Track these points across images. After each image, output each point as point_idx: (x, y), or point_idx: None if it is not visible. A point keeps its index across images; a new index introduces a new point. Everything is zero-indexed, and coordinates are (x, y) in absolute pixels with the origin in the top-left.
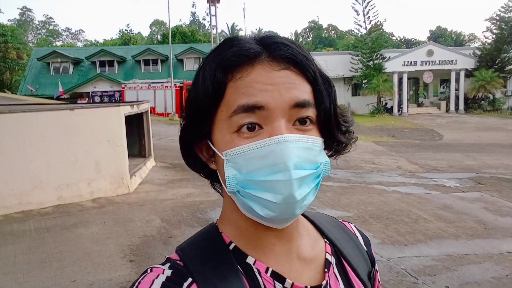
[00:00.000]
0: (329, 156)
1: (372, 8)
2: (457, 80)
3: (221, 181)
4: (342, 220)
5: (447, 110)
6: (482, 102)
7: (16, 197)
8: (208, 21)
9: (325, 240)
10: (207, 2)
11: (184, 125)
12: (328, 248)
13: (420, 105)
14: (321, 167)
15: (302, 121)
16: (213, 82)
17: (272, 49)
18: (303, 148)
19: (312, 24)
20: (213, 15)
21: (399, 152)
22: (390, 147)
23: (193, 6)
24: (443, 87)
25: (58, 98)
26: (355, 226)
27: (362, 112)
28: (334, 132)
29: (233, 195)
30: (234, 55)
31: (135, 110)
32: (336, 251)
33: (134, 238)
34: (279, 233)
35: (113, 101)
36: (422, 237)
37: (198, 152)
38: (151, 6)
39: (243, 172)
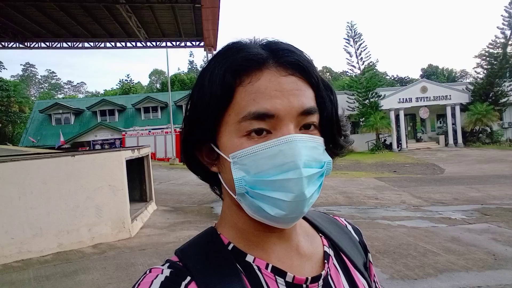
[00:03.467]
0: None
1: (364, 50)
2: (453, 115)
3: (224, 184)
4: (333, 215)
5: (446, 144)
6: (480, 135)
7: (16, 245)
8: None
9: (320, 235)
10: (204, 50)
11: (187, 129)
12: (325, 242)
13: (418, 140)
14: (325, 166)
15: (307, 126)
16: (222, 86)
17: (279, 55)
18: (310, 147)
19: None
20: None
21: (401, 186)
22: (392, 182)
23: (190, 55)
24: (440, 122)
25: (59, 148)
26: (344, 219)
27: (362, 150)
28: (335, 136)
29: (240, 197)
30: (244, 60)
31: (136, 154)
32: (333, 244)
33: None
34: (281, 233)
35: (114, 148)
36: (432, 271)
37: (198, 156)
38: (151, 57)
39: (252, 173)
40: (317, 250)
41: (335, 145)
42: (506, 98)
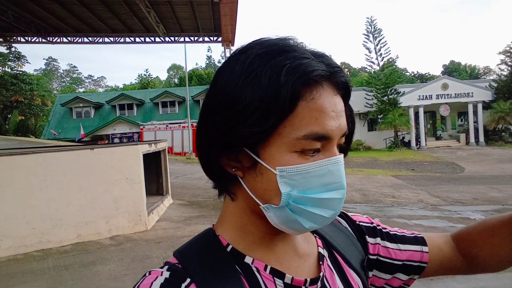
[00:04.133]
0: None
1: (384, 46)
2: (475, 112)
3: (248, 190)
4: None
5: (467, 143)
6: (503, 133)
7: (37, 235)
8: None
9: (315, 235)
10: (222, 46)
11: (217, 127)
12: (319, 242)
13: (438, 138)
14: None
15: (339, 145)
16: (291, 95)
17: (335, 73)
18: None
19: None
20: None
21: (419, 185)
22: (410, 180)
23: (208, 50)
24: (461, 120)
25: (79, 141)
26: None
27: (379, 147)
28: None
29: (272, 208)
30: (315, 75)
31: (153, 148)
32: (327, 244)
33: None
34: (284, 234)
35: (132, 141)
36: None
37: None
38: (169, 52)
39: (299, 188)
40: (313, 251)
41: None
42: None
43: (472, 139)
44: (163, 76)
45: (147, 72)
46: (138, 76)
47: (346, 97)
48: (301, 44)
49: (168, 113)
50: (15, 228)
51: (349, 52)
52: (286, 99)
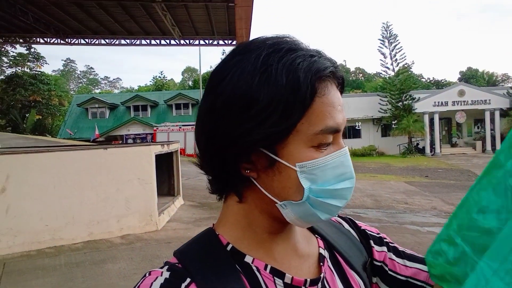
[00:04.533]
0: None
1: (400, 51)
2: (492, 120)
3: (264, 190)
4: None
5: (483, 150)
6: None
7: (50, 232)
8: None
9: (316, 236)
10: None
11: (233, 129)
12: (321, 243)
13: (453, 145)
14: None
15: None
16: (311, 91)
17: (337, 70)
18: None
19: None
20: None
21: (433, 192)
22: (423, 187)
23: (223, 54)
24: (478, 127)
25: (94, 141)
26: (337, 215)
27: (393, 153)
28: None
29: (290, 204)
30: (329, 71)
31: (165, 149)
32: (329, 246)
33: None
34: (285, 234)
35: (145, 142)
36: None
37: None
38: (184, 54)
39: (318, 182)
40: (313, 251)
41: None
42: None
43: (488, 146)
44: (178, 78)
45: (161, 74)
46: (153, 78)
47: (342, 91)
48: (297, 41)
49: (181, 115)
50: (29, 224)
51: (364, 57)
52: (307, 96)
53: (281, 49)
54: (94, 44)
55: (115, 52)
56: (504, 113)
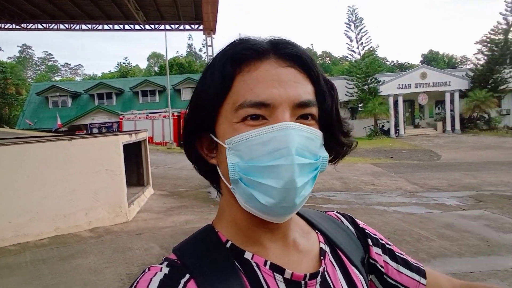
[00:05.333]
0: (330, 160)
1: (365, 35)
2: (452, 101)
3: (222, 175)
4: (326, 212)
5: (444, 131)
6: (478, 121)
7: (13, 229)
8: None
9: (316, 231)
10: (204, 34)
11: (188, 119)
12: (321, 238)
13: (416, 126)
14: (320, 160)
15: (304, 116)
16: (222, 74)
17: (279, 47)
18: (305, 137)
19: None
20: (209, 46)
21: (398, 172)
22: (389, 168)
23: (189, 39)
24: (438, 108)
25: (56, 131)
26: (336, 212)
27: (360, 135)
28: (336, 132)
29: (234, 185)
30: (244, 49)
31: (133, 139)
32: (329, 241)
33: (133, 267)
34: (276, 229)
35: (111, 131)
36: (425, 256)
37: (198, 149)
38: (149, 40)
39: (245, 159)
40: (313, 247)
41: (335, 142)
42: (505, 85)
43: (448, 127)
44: (143, 64)
45: (126, 61)
46: (117, 64)
47: (308, 71)
48: (257, 37)
49: (148, 102)
50: None
51: (331, 41)
52: (225, 78)
53: (223, 47)
54: (53, 30)
55: (75, 37)
56: (463, 94)
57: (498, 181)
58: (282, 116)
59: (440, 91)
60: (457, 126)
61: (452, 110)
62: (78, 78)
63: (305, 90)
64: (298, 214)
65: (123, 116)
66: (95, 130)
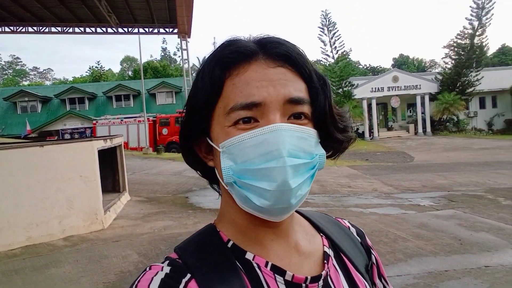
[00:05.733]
0: (328, 156)
1: (338, 39)
2: (423, 104)
3: (218, 176)
4: (336, 217)
5: (416, 133)
6: (448, 123)
7: None
8: (179, 56)
9: (321, 234)
10: (178, 37)
11: (183, 123)
12: (325, 242)
13: (390, 129)
14: (317, 158)
15: (297, 116)
16: (211, 79)
17: (267, 47)
18: (297, 137)
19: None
20: (184, 50)
21: (373, 174)
22: (364, 170)
23: (163, 42)
24: (410, 111)
25: (25, 137)
26: (348, 221)
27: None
28: (330, 129)
29: (230, 188)
30: (231, 53)
31: (108, 144)
32: (333, 245)
33: (110, 275)
34: (277, 229)
35: (85, 137)
36: (402, 256)
37: (197, 151)
38: (122, 43)
39: (238, 162)
40: (316, 250)
41: (331, 139)
42: (472, 88)
43: (420, 129)
44: (116, 68)
45: (98, 64)
46: (89, 68)
47: (298, 69)
48: (247, 36)
49: (122, 107)
50: None
51: (305, 45)
52: (214, 83)
53: (212, 51)
54: (21, 32)
55: (44, 40)
56: (433, 97)
57: (468, 181)
58: (273, 117)
59: (411, 94)
60: (428, 128)
61: (423, 113)
62: (48, 83)
63: (296, 88)
64: (303, 216)
65: (97, 121)
66: (67, 136)
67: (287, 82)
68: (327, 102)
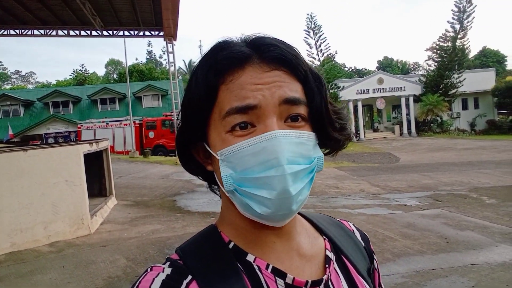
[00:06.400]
0: (326, 154)
1: (324, 41)
2: (407, 105)
3: (218, 182)
4: (340, 219)
5: (401, 134)
6: (432, 124)
7: None
8: (165, 59)
9: (324, 237)
10: (164, 40)
11: (179, 128)
12: (328, 245)
13: (375, 130)
14: (315, 161)
15: (294, 118)
16: (205, 86)
17: (261, 50)
18: (296, 143)
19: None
20: (170, 52)
21: (360, 175)
22: (351, 171)
23: (149, 45)
24: (395, 113)
25: (8, 142)
26: (353, 224)
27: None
28: (328, 129)
29: (230, 194)
30: (224, 58)
31: (94, 148)
32: (335, 248)
33: (98, 281)
34: (278, 231)
35: (69, 141)
36: (390, 256)
37: (195, 155)
38: (107, 46)
39: (238, 170)
40: (318, 253)
41: (328, 139)
42: (455, 90)
43: (405, 130)
44: (101, 71)
45: (83, 68)
46: (73, 71)
47: (294, 70)
48: (245, 37)
49: (108, 110)
50: None
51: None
52: (204, 90)
53: (204, 55)
54: (2, 35)
55: (26, 43)
56: (417, 99)
57: (453, 181)
58: (270, 123)
59: (396, 96)
60: (413, 129)
61: (408, 114)
62: (30, 86)
63: (291, 88)
64: (305, 218)
65: (82, 125)
66: (51, 140)
67: (282, 83)
68: (323, 102)
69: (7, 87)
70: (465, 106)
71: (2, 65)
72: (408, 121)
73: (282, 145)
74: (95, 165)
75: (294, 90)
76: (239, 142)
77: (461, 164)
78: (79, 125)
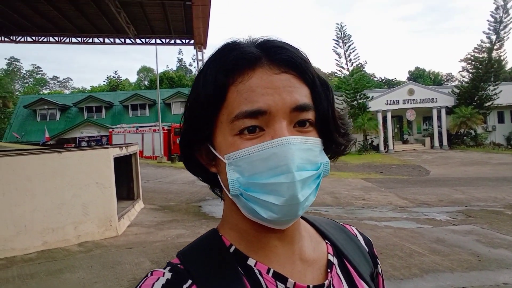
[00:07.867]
0: (328, 158)
1: (353, 51)
2: (439, 117)
3: (223, 185)
4: (343, 223)
5: (432, 146)
6: (465, 137)
7: (0, 243)
8: (194, 67)
9: (326, 241)
10: (194, 48)
11: (184, 129)
12: (330, 249)
13: (405, 142)
14: (322, 167)
15: (302, 123)
16: (214, 86)
17: (271, 53)
18: (304, 149)
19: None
20: (200, 60)
21: (388, 188)
22: (379, 183)
23: (179, 53)
24: (426, 124)
25: (44, 144)
26: (356, 228)
27: (349, 150)
28: (333, 134)
29: (235, 198)
30: (235, 59)
31: (124, 152)
32: (338, 252)
33: (123, 281)
34: (281, 235)
35: (101, 145)
36: (417, 271)
37: (198, 156)
38: (139, 54)
39: (245, 175)
40: (320, 257)
41: (334, 144)
42: (490, 102)
43: (436, 143)
44: (133, 78)
45: (116, 74)
46: (107, 78)
47: (302, 74)
48: (253, 39)
49: (138, 116)
50: None
51: (320, 57)
52: (217, 90)
53: (213, 53)
54: (42, 42)
55: (64, 50)
56: (449, 111)
57: (486, 197)
58: (279, 128)
59: (427, 107)
60: (445, 142)
61: (439, 126)
62: (67, 91)
63: (301, 94)
64: (308, 222)
65: (113, 130)
66: (84, 144)
67: (293, 88)
68: (330, 108)
69: (45, 92)
70: (501, 119)
71: (41, 70)
72: (440, 134)
73: (292, 152)
74: (124, 169)
75: (304, 95)
76: (248, 147)
77: (495, 180)
78: (110, 130)
